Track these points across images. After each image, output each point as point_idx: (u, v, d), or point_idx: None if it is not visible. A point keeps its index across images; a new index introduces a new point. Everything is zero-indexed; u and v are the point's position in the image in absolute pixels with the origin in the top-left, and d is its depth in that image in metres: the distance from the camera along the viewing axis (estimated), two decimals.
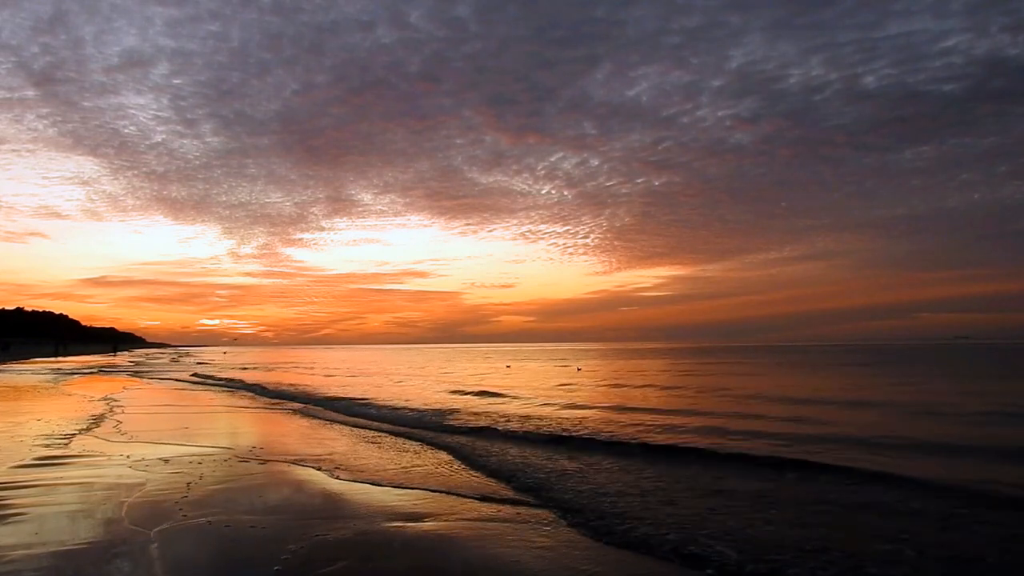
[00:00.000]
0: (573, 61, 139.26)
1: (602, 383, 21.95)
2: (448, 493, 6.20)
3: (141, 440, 9.24)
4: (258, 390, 20.42)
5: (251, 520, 5.11)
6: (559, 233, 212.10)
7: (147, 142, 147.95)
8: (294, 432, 10.91)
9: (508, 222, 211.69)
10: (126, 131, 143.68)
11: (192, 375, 29.58)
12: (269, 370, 34.84)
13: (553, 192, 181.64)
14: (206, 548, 4.46)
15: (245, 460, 7.73)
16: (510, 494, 6.18)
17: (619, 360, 46.12)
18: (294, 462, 7.67)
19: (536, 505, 5.74)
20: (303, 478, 6.81)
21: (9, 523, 4.98)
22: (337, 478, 6.81)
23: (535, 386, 20.80)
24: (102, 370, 33.76)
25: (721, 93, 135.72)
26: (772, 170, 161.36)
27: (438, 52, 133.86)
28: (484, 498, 6.02)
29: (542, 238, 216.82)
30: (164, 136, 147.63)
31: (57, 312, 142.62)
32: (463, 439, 9.59)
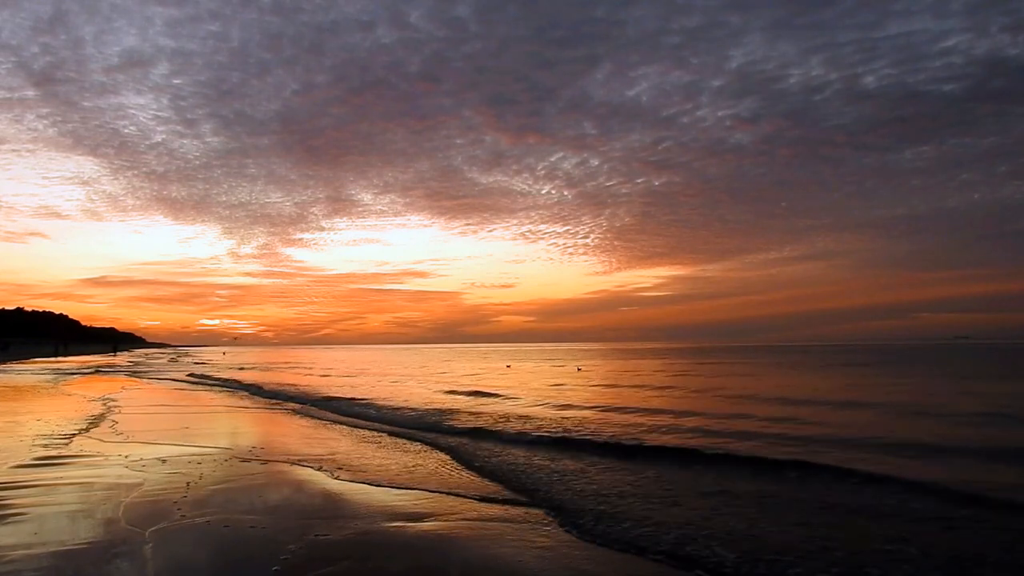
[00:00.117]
0: (573, 61, 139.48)
1: (602, 383, 21.95)
2: (446, 493, 6.20)
3: (139, 440, 9.23)
4: (254, 390, 20.46)
5: (250, 520, 5.10)
6: (559, 233, 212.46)
7: (147, 142, 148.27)
8: (291, 432, 10.90)
9: (508, 222, 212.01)
10: (126, 131, 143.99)
11: (188, 375, 29.59)
12: (265, 370, 34.85)
13: (553, 192, 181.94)
14: (204, 548, 4.45)
15: (243, 460, 7.72)
16: (508, 495, 6.17)
17: (619, 360, 46.13)
18: (292, 462, 7.66)
19: (534, 506, 5.73)
20: (302, 478, 6.80)
21: (8, 523, 4.97)
22: (337, 478, 6.81)
23: (535, 386, 20.80)
24: (99, 370, 33.72)
25: (721, 93, 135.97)
26: (772, 170, 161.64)
27: (438, 52, 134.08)
28: (483, 498, 6.01)
29: (542, 238, 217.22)
30: (164, 136, 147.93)
31: (57, 312, 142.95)
32: (460, 440, 9.58)
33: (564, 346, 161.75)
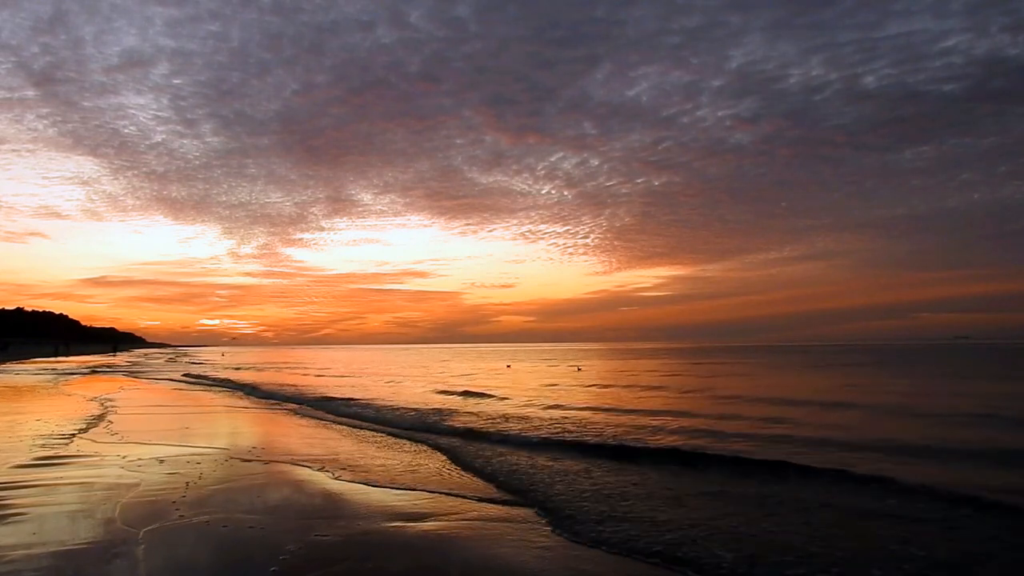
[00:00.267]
0: (573, 61, 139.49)
1: (600, 384, 21.93)
2: (445, 494, 6.19)
3: (137, 441, 9.21)
4: (248, 390, 20.49)
5: (249, 520, 5.08)
6: (559, 233, 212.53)
7: (147, 142, 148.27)
8: (288, 432, 10.89)
9: (508, 222, 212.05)
10: (126, 131, 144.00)
11: (184, 375, 29.63)
12: (261, 371, 34.86)
13: (553, 192, 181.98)
14: (201, 548, 4.43)
15: (241, 460, 7.70)
16: (507, 496, 6.16)
17: (619, 360, 46.11)
18: (290, 462, 7.65)
19: (533, 506, 5.71)
20: (300, 478, 6.79)
21: (8, 523, 4.96)
22: (336, 478, 6.79)
23: (534, 386, 20.81)
24: (95, 370, 33.71)
25: (721, 93, 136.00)
26: (772, 170, 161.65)
27: (438, 52, 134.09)
28: (481, 499, 6.01)
29: (542, 238, 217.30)
30: (164, 136, 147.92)
31: (57, 312, 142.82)
32: (457, 441, 9.55)
33: (564, 346, 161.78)
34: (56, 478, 6.55)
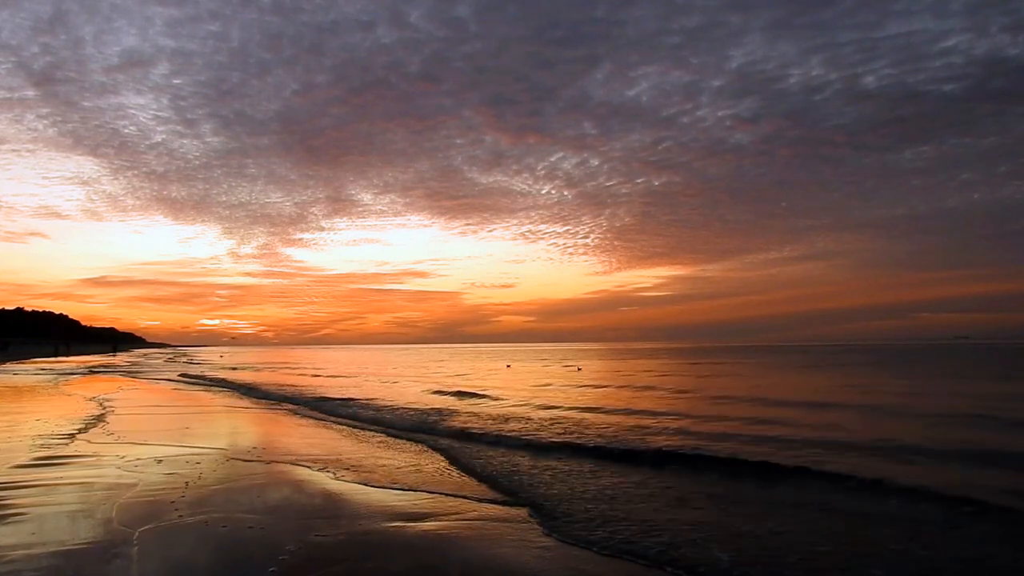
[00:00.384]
0: (573, 61, 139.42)
1: (603, 384, 21.92)
2: (444, 494, 6.19)
3: (136, 441, 9.21)
4: (244, 390, 20.51)
5: (248, 520, 5.08)
6: (559, 233, 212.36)
7: (147, 142, 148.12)
8: (284, 432, 10.90)
9: (508, 222, 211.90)
10: (126, 131, 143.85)
11: (180, 375, 29.67)
12: (258, 371, 34.86)
13: (553, 192, 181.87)
14: (199, 548, 4.43)
15: (239, 460, 7.70)
16: (505, 496, 6.16)
17: (619, 361, 46.09)
18: (289, 462, 7.64)
19: (532, 507, 5.71)
20: (300, 478, 6.78)
21: (8, 523, 4.96)
22: (336, 479, 6.79)
23: (534, 387, 20.80)
24: (92, 370, 33.71)
25: (721, 93, 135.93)
26: (772, 170, 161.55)
27: (438, 52, 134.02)
28: (480, 499, 6.01)
29: (542, 238, 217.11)
30: (164, 136, 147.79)
31: (57, 312, 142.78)
32: (454, 442, 9.54)
33: (564, 346, 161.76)
34: (56, 478, 6.55)
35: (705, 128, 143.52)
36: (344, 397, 16.77)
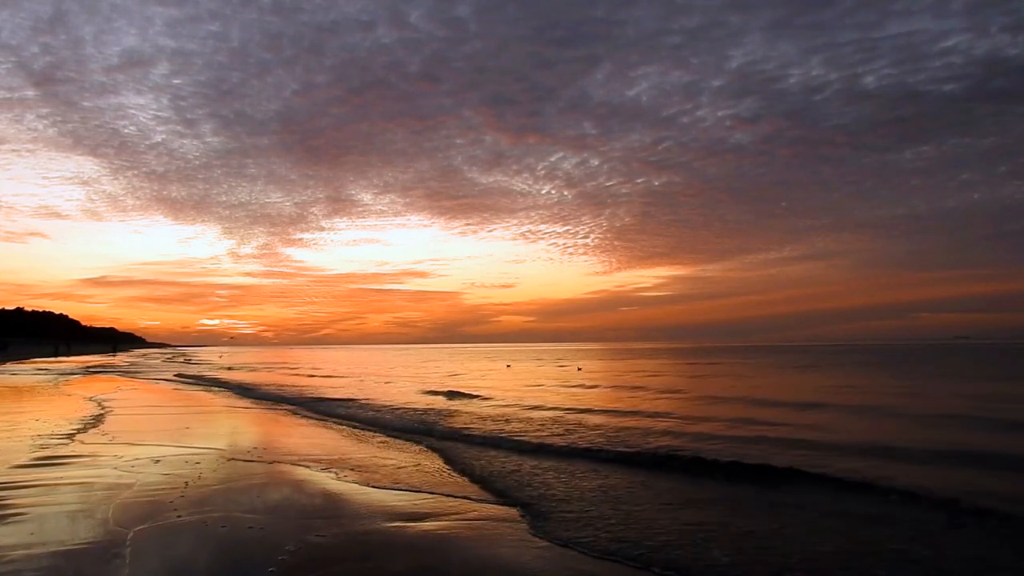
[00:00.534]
0: (573, 61, 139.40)
1: (606, 385, 21.93)
2: (443, 495, 6.19)
3: (134, 441, 9.21)
4: (238, 390, 20.53)
5: (247, 520, 5.08)
6: (559, 233, 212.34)
7: (147, 142, 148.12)
8: (281, 432, 10.89)
9: (508, 222, 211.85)
10: (126, 131, 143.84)
11: (176, 375, 29.70)
12: (254, 371, 34.88)
13: (553, 192, 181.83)
14: (199, 548, 4.43)
15: (236, 460, 7.70)
16: (503, 497, 6.16)
17: (618, 361, 46.10)
18: (287, 462, 7.65)
19: (531, 508, 5.72)
20: (299, 478, 6.78)
21: (8, 523, 4.96)
22: (336, 479, 6.79)
23: (532, 388, 20.83)
24: (89, 370, 33.73)
25: (721, 93, 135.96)
26: (772, 170, 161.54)
27: (438, 52, 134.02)
28: (479, 500, 6.02)
29: (542, 238, 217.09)
30: (164, 136, 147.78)
31: (57, 312, 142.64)
32: (450, 442, 9.53)
33: (564, 346, 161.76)
34: (55, 478, 6.55)
35: (705, 128, 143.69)
36: (339, 397, 16.79)
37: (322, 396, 17.31)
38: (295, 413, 14.02)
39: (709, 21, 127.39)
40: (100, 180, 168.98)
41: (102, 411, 13.16)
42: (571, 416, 12.24)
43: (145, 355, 79.63)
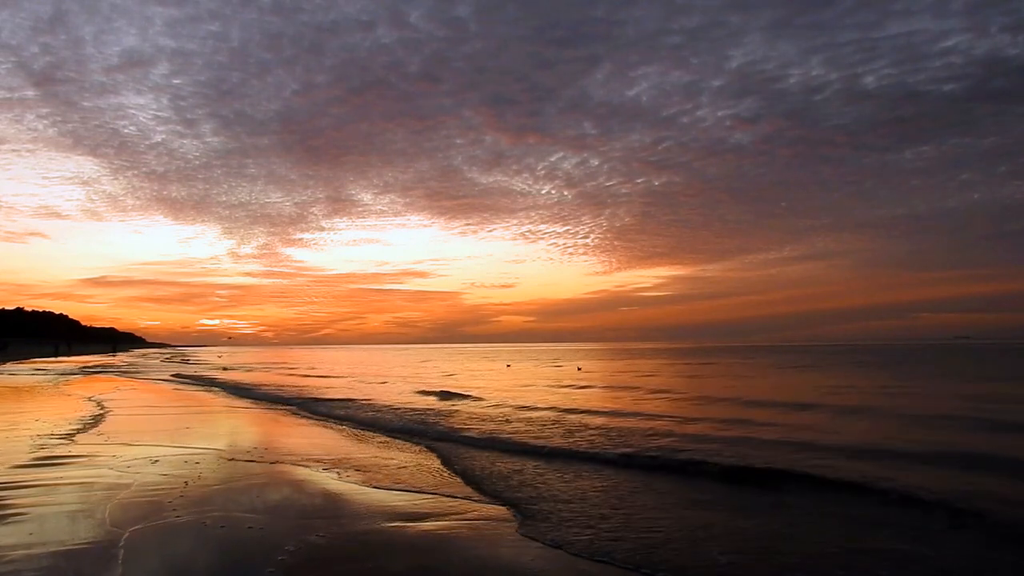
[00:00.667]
0: (573, 61, 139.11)
1: (606, 385, 21.94)
2: (442, 495, 6.19)
3: (132, 441, 9.21)
4: (234, 390, 20.53)
5: (247, 520, 5.07)
6: (559, 233, 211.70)
7: (147, 142, 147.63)
8: (280, 432, 10.90)
9: (508, 222, 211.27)
10: (126, 131, 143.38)
11: (173, 375, 29.70)
12: (250, 371, 34.85)
13: (553, 192, 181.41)
14: (198, 548, 4.42)
15: (235, 460, 7.70)
16: (502, 497, 6.15)
17: (619, 361, 46.12)
18: (287, 462, 7.64)
19: (530, 508, 5.71)
20: (298, 479, 6.77)
21: (7, 523, 4.96)
22: (336, 479, 6.79)
23: (531, 388, 20.83)
24: (93, 371, 33.73)
25: (721, 93, 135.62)
26: (772, 170, 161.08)
27: (438, 52, 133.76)
28: (477, 500, 6.01)
29: (542, 238, 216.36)
30: (164, 136, 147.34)
31: (57, 312, 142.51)
32: (449, 443, 9.51)
33: (564, 346, 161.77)
34: (55, 478, 6.55)
35: (705, 128, 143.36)
36: (337, 398, 16.78)
37: (318, 397, 17.27)
38: (293, 413, 14.01)
39: (709, 21, 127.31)
40: (100, 180, 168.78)
41: (101, 411, 13.16)
42: (572, 417, 12.22)
43: (144, 355, 79.65)
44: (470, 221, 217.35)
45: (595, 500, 5.94)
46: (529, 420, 11.76)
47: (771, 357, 50.44)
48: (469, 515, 5.44)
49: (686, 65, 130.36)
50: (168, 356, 74.63)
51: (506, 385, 21.71)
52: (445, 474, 7.24)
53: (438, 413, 13.03)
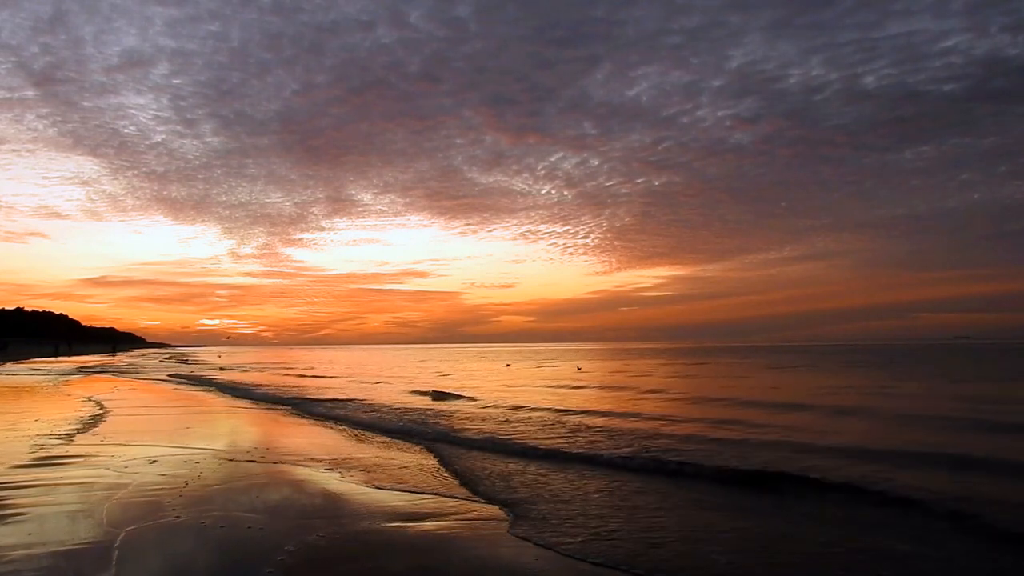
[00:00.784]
0: (573, 61, 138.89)
1: (606, 386, 21.94)
2: (442, 495, 6.18)
3: (131, 442, 9.21)
4: (232, 391, 20.53)
5: (246, 520, 5.07)
6: (559, 233, 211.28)
7: (147, 142, 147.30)
8: (280, 433, 10.90)
9: (508, 222, 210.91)
10: (126, 131, 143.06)
11: (170, 375, 29.73)
12: (245, 371, 34.82)
13: (553, 192, 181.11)
14: (198, 548, 4.42)
15: (235, 460, 7.70)
16: (499, 498, 6.14)
17: (619, 361, 46.10)
18: (286, 463, 7.64)
19: (530, 509, 5.70)
20: (297, 479, 6.77)
21: (7, 523, 4.95)
22: (336, 479, 6.79)
23: (530, 388, 20.83)
24: (91, 370, 33.73)
25: (721, 93, 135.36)
26: (772, 170, 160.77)
27: (438, 52, 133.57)
28: (476, 501, 6.01)
29: (542, 238, 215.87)
30: (164, 136, 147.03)
31: (57, 312, 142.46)
32: (448, 444, 9.49)
33: (564, 346, 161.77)
34: (54, 478, 6.54)
35: (705, 128, 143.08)
36: (336, 398, 16.74)
37: (317, 397, 17.23)
38: (292, 413, 14.01)
39: (709, 21, 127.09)
40: (100, 180, 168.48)
41: (101, 411, 13.15)
42: (571, 418, 12.21)
43: (144, 355, 79.66)
44: (470, 221, 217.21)
45: (594, 501, 5.94)
46: (528, 420, 11.77)
47: (771, 357, 50.42)
48: (469, 515, 5.44)
49: (686, 65, 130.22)
50: (168, 356, 74.65)
51: (505, 385, 21.73)
52: (444, 474, 7.23)
53: (437, 413, 13.02)
